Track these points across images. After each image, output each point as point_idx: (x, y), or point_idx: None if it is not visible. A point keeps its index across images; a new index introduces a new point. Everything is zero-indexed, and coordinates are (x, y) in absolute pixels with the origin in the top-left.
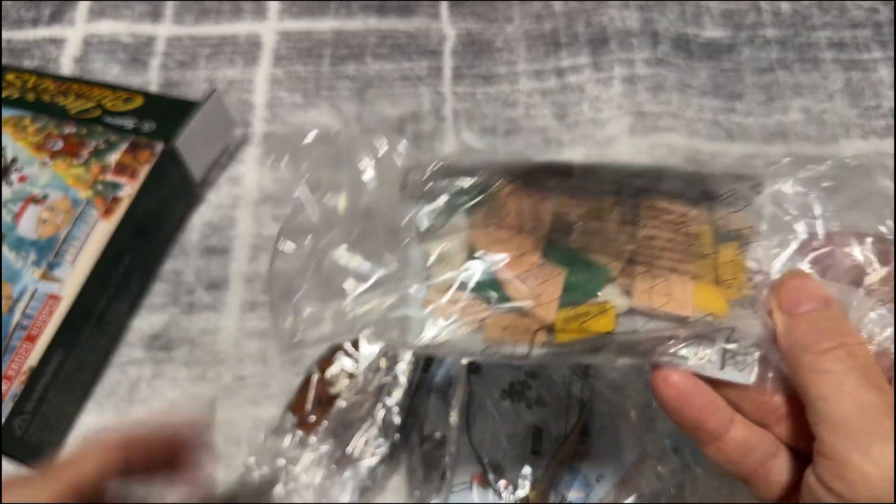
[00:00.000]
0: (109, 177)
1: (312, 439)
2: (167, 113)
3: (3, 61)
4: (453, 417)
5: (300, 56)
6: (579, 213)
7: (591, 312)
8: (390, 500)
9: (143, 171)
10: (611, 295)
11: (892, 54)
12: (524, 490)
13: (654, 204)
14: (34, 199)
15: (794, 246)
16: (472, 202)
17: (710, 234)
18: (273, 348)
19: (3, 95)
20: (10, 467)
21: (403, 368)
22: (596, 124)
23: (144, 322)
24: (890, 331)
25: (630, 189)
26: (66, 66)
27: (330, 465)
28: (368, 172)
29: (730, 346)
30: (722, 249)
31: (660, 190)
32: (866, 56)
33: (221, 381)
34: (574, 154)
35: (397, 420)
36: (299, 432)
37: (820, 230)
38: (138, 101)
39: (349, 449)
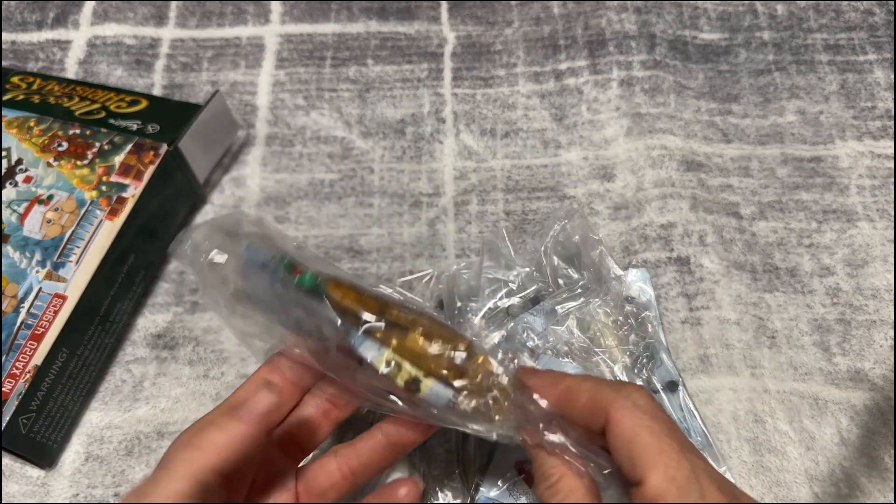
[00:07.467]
0: (114, 178)
1: None
2: (171, 115)
3: (9, 64)
4: None
5: (302, 58)
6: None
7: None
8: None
9: (148, 172)
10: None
11: (887, 56)
12: None
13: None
14: (39, 200)
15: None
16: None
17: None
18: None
19: (8, 97)
20: (14, 465)
21: None
22: (594, 126)
23: (149, 321)
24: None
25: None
26: (71, 69)
27: None
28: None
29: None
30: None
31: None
32: (862, 58)
33: (225, 380)
34: (571, 157)
35: None
36: None
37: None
38: (142, 104)
39: None
